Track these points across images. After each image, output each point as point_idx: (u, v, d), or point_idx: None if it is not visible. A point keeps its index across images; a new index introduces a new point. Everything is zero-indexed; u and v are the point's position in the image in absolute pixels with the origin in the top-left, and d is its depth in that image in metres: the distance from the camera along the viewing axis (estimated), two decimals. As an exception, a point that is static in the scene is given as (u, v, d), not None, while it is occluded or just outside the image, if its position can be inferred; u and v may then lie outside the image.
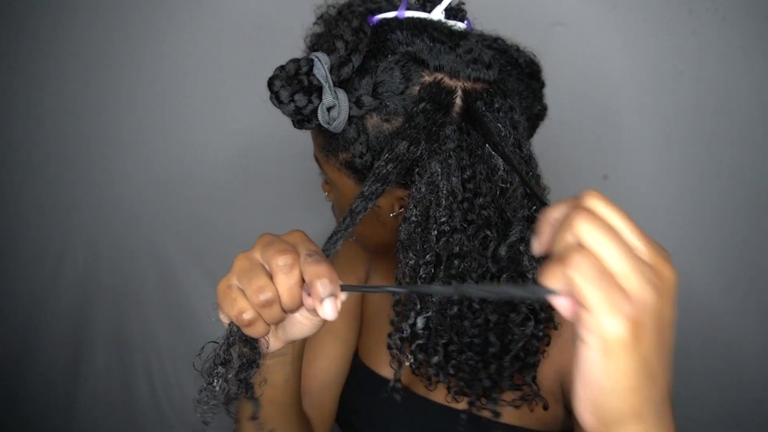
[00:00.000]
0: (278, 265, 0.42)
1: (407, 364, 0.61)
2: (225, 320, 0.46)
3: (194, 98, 1.14)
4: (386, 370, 0.72)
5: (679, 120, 0.96)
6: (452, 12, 0.56)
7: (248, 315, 0.42)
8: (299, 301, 0.43)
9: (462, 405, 0.60)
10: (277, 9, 1.06)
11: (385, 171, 0.48)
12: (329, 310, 0.40)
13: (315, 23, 0.58)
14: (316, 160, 0.60)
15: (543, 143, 0.81)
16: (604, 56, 0.98)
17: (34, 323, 1.25)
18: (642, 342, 0.30)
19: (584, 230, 0.30)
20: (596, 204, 0.32)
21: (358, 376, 0.75)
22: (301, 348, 0.55)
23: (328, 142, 0.55)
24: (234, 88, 1.12)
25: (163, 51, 1.13)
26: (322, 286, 0.40)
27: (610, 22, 0.96)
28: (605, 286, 0.29)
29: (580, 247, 0.30)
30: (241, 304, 0.42)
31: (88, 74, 1.16)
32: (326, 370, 0.76)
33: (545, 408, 0.59)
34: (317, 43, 0.55)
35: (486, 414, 0.59)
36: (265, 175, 1.15)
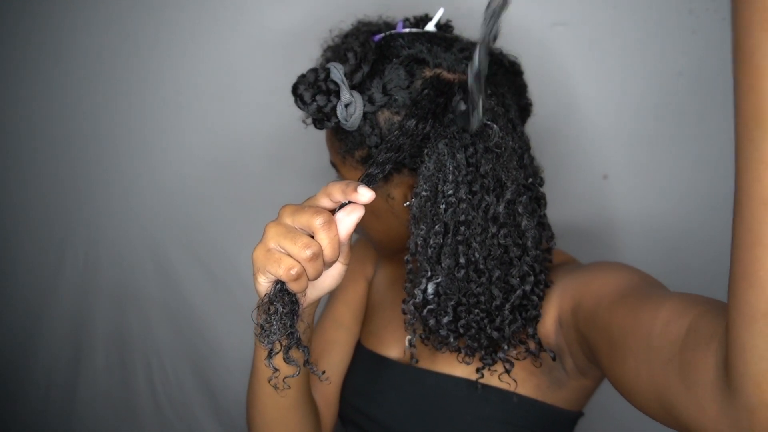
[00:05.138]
0: (318, 224, 0.47)
1: (416, 336, 0.68)
2: (265, 284, 0.50)
3: (194, 99, 1.14)
4: (388, 351, 0.76)
5: (679, 120, 0.96)
6: (442, 28, 0.67)
7: (296, 269, 0.47)
8: (338, 252, 0.49)
9: (470, 371, 0.66)
10: (277, 11, 1.07)
11: (398, 143, 0.54)
12: (365, 191, 0.48)
13: (323, 54, 0.67)
14: (333, 165, 0.67)
15: (543, 142, 0.81)
16: (604, 56, 0.98)
17: (34, 323, 1.25)
18: None
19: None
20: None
21: (361, 359, 0.80)
22: (313, 318, 0.62)
23: (344, 144, 0.62)
24: (235, 89, 1.12)
25: (165, 52, 1.13)
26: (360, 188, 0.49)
27: (610, 22, 0.96)
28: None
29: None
30: (287, 261, 0.48)
31: (89, 75, 1.16)
32: (329, 356, 0.80)
33: (554, 359, 0.63)
34: (328, 58, 0.64)
35: (496, 383, 0.65)
36: (266, 176, 1.16)
